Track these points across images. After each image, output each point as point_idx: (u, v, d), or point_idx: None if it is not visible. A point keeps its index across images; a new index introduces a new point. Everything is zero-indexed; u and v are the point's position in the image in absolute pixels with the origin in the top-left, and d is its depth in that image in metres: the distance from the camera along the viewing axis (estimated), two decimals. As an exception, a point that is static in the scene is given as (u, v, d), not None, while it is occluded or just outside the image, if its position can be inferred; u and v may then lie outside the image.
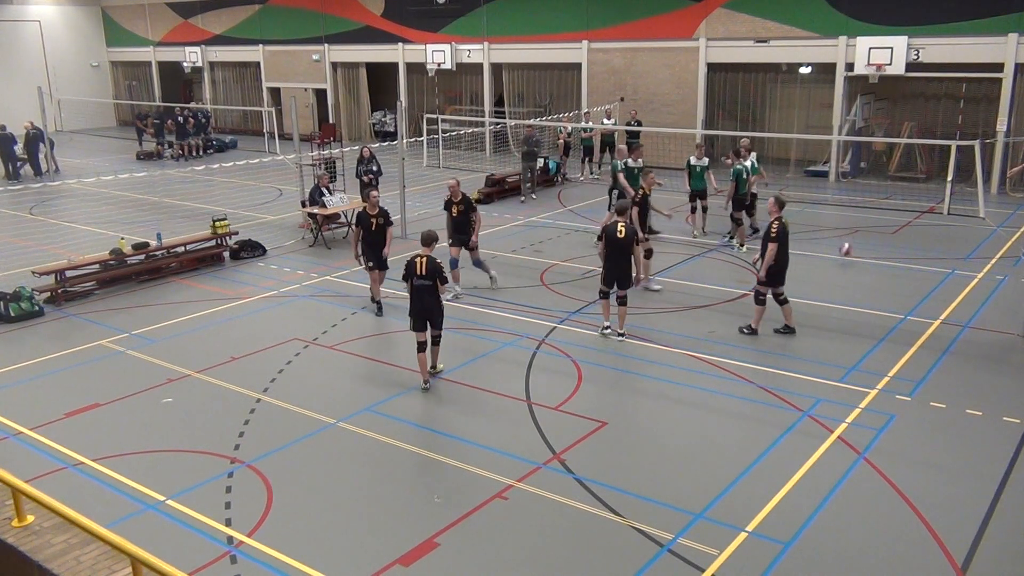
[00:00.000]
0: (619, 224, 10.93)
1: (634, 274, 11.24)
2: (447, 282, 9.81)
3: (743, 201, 15.70)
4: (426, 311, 9.64)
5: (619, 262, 10.98)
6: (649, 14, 24.79)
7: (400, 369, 10.29)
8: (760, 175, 16.30)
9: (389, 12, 30.27)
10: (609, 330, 11.33)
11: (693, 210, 16.83)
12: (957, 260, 14.74)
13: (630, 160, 16.74)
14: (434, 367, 10.03)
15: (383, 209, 12.24)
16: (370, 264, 12.20)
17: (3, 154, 25.08)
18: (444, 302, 9.92)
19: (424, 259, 9.57)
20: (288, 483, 7.84)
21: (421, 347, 9.68)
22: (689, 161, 16.57)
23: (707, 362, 10.48)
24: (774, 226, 11.06)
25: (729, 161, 16.66)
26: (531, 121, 24.34)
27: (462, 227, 12.94)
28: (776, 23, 22.86)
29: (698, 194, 16.52)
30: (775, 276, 11.12)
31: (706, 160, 16.59)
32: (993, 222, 17.25)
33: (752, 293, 11.67)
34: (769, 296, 11.25)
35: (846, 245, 15.20)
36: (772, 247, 10.96)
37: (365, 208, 12.25)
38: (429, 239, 9.81)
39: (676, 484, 7.73)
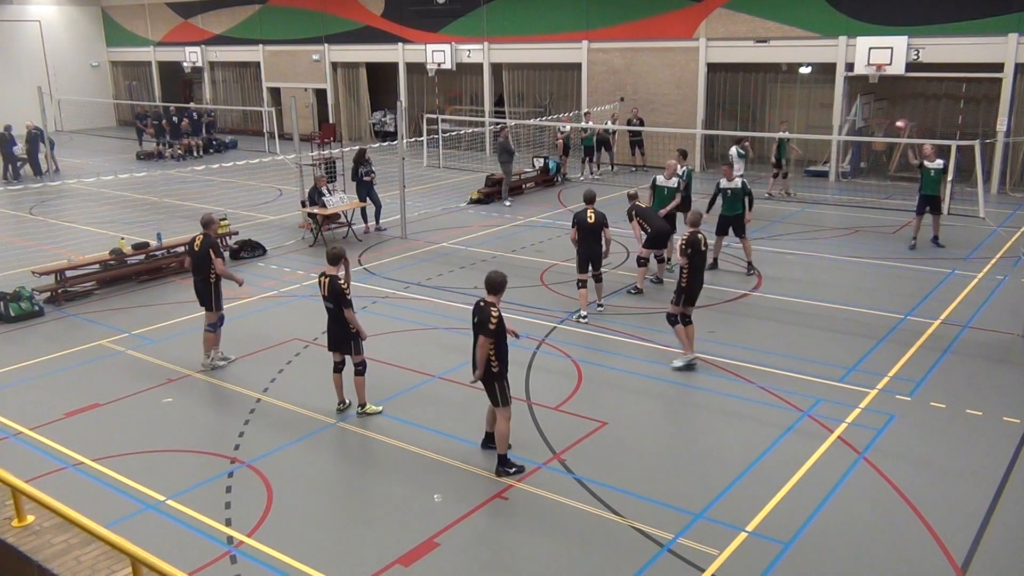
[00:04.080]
0: (588, 211, 11.74)
1: (603, 250, 12.06)
2: (351, 307, 8.70)
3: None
4: (332, 335, 8.91)
5: (591, 245, 11.87)
6: (649, 14, 24.77)
7: (400, 369, 10.29)
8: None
9: (389, 12, 30.26)
10: (586, 318, 11.94)
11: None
12: (957, 260, 14.74)
13: (660, 177, 14.02)
14: (362, 406, 9.10)
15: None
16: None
17: (3, 154, 25.08)
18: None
19: (327, 279, 8.71)
20: (288, 483, 7.84)
21: (335, 367, 9.11)
22: (655, 181, 14.04)
23: (707, 362, 10.47)
24: (632, 211, 13.05)
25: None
26: (512, 123, 24.30)
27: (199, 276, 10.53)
28: (776, 23, 22.86)
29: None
30: (653, 241, 12.97)
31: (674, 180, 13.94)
32: (993, 222, 17.24)
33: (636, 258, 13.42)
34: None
35: (900, 123, 16.00)
36: (633, 226, 13.00)
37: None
38: (335, 257, 8.81)
39: (676, 484, 7.73)
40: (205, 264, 10.30)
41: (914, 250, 15.36)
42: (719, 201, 13.93)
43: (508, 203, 20.24)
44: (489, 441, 8.19)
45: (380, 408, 9.21)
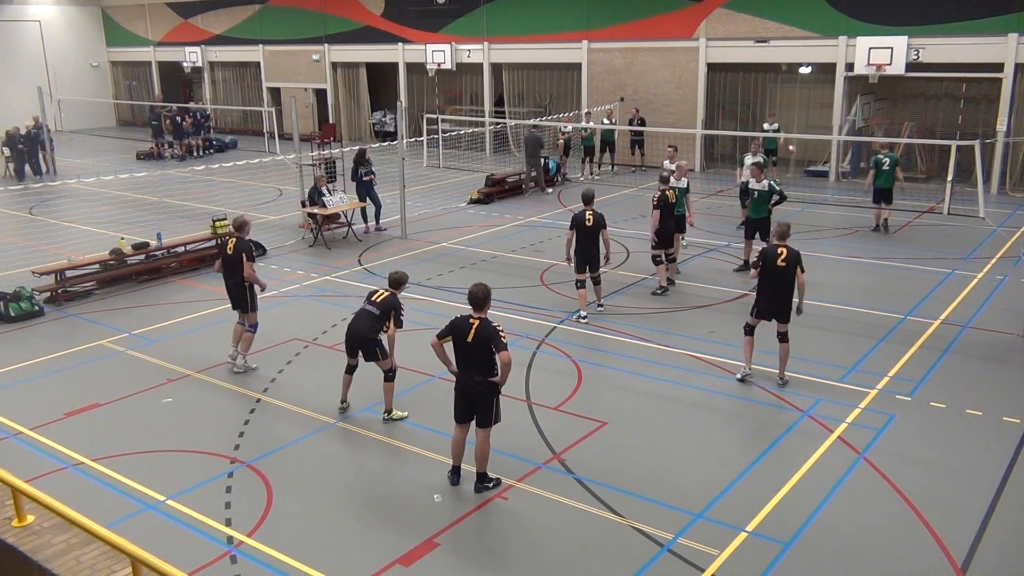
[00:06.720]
0: (587, 212, 11.63)
1: (602, 254, 11.88)
2: (401, 326, 8.75)
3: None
4: (357, 336, 8.78)
5: (588, 247, 11.75)
6: (649, 14, 24.78)
7: (400, 369, 10.26)
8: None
9: (389, 12, 30.27)
10: (586, 318, 11.92)
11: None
12: (957, 260, 14.74)
13: (672, 178, 13.49)
14: (388, 411, 9.02)
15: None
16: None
17: (13, 153, 25.06)
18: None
19: (386, 292, 8.77)
20: (288, 483, 7.84)
21: (348, 368, 9.11)
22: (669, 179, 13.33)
23: (707, 362, 10.47)
24: (656, 196, 12.74)
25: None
26: (533, 121, 24.52)
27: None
28: (776, 23, 22.86)
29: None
30: (662, 239, 12.91)
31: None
32: (993, 222, 17.24)
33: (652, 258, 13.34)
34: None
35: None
36: (656, 214, 12.68)
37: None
38: (398, 282, 8.88)
39: (676, 484, 7.73)
40: (238, 267, 10.18)
41: (876, 231, 16.74)
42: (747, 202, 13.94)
43: (550, 191, 21.64)
44: (457, 474, 7.75)
45: (406, 413, 9.09)
